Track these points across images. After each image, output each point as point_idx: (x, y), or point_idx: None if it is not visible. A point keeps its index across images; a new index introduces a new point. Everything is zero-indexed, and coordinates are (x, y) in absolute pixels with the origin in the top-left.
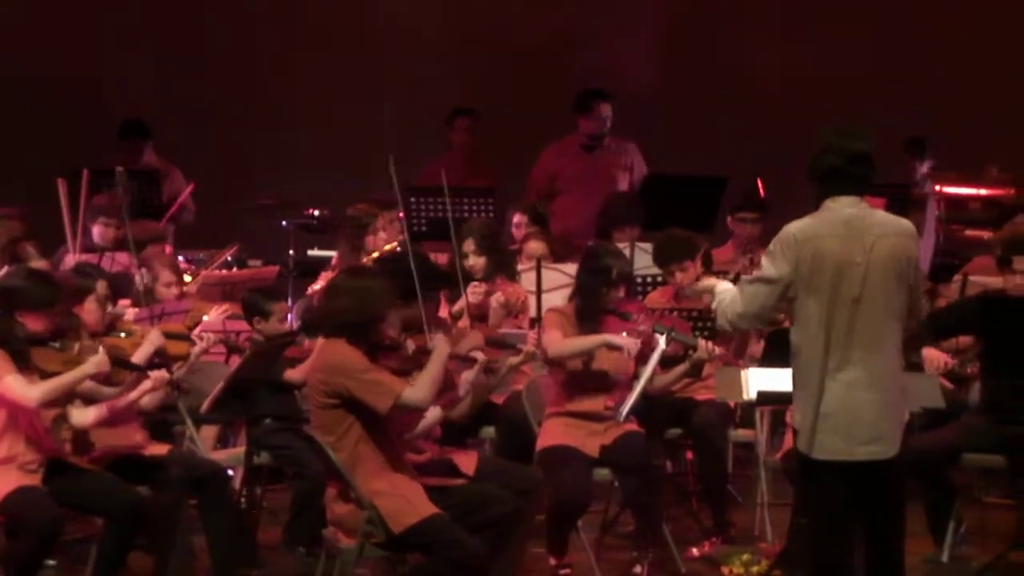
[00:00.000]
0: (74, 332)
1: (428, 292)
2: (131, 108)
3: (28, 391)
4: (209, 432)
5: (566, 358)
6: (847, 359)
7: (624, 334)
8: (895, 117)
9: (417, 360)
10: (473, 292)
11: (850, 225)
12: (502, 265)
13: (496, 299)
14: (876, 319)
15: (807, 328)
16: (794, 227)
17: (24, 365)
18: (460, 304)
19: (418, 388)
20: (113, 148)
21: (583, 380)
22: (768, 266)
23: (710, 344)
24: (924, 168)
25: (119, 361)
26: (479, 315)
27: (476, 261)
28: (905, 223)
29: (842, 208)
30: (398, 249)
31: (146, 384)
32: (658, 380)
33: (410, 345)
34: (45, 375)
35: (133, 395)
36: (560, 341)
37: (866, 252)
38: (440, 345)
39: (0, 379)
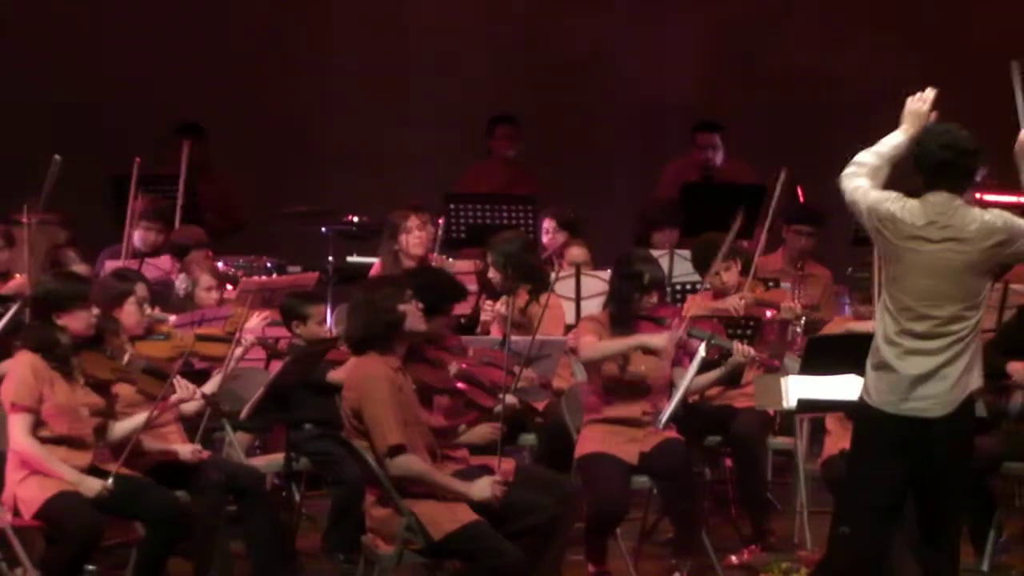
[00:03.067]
0: (114, 335)
1: (445, 306)
2: (174, 114)
3: (23, 439)
4: (243, 439)
5: (600, 360)
6: (912, 328)
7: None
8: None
9: (454, 388)
10: (484, 310)
11: (940, 215)
12: (528, 280)
13: (496, 310)
14: (951, 310)
15: (892, 290)
16: (896, 206)
17: (66, 371)
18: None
19: (414, 466)
20: (156, 154)
21: (620, 386)
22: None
23: (746, 347)
24: (977, 177)
25: (150, 370)
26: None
27: (493, 275)
28: (995, 218)
29: (939, 203)
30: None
31: (173, 398)
32: (693, 383)
33: (452, 366)
34: (93, 380)
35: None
36: (594, 344)
37: (952, 247)
38: (472, 490)
39: (12, 408)
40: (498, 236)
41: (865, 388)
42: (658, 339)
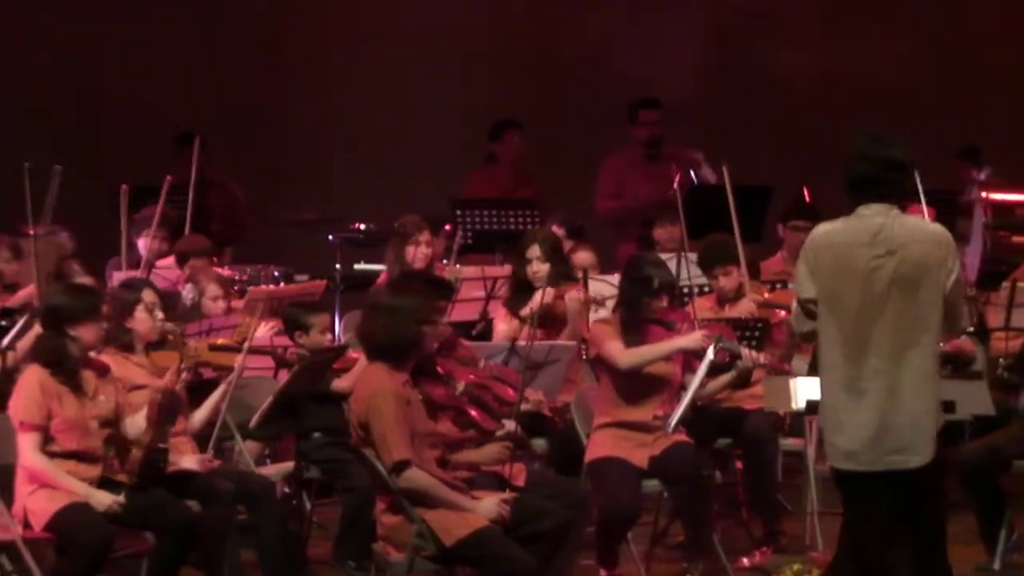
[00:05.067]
0: (129, 347)
1: (436, 303)
2: (178, 123)
3: (33, 457)
4: (252, 448)
5: (642, 367)
6: (865, 369)
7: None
8: (943, 123)
9: (460, 407)
10: (546, 292)
11: (877, 235)
12: (564, 273)
13: (572, 297)
14: (897, 329)
15: (826, 337)
16: (820, 230)
17: (75, 385)
18: (530, 306)
19: (420, 481)
20: (159, 162)
21: (632, 390)
22: (797, 276)
23: (754, 352)
24: (982, 176)
25: (216, 347)
26: (547, 318)
27: (540, 268)
28: (937, 230)
29: (872, 216)
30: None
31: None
32: (704, 389)
33: (459, 384)
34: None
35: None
36: (632, 351)
37: (889, 261)
38: (479, 508)
39: (21, 426)
40: (530, 232)
41: None
42: (692, 340)
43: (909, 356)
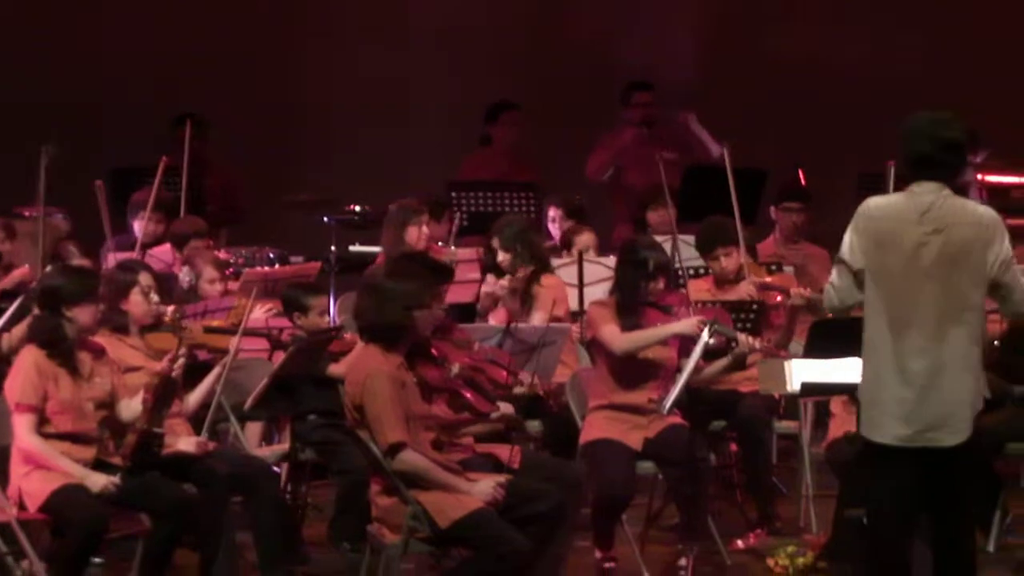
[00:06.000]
0: (124, 329)
1: (433, 288)
2: (174, 105)
3: (28, 438)
4: (254, 429)
5: (636, 351)
6: (909, 346)
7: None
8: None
9: (455, 389)
10: (487, 284)
11: (926, 213)
12: (533, 259)
13: (500, 287)
14: (940, 308)
15: (870, 310)
16: (871, 203)
17: (71, 367)
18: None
19: (415, 463)
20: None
21: (627, 373)
22: (844, 242)
23: (750, 338)
24: (978, 158)
25: (211, 329)
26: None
27: (504, 257)
28: (986, 212)
29: (924, 194)
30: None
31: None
32: (701, 373)
33: (454, 367)
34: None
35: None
36: (628, 335)
37: (935, 239)
38: (474, 490)
39: (17, 407)
40: (500, 220)
41: None
42: (688, 325)
43: (951, 335)
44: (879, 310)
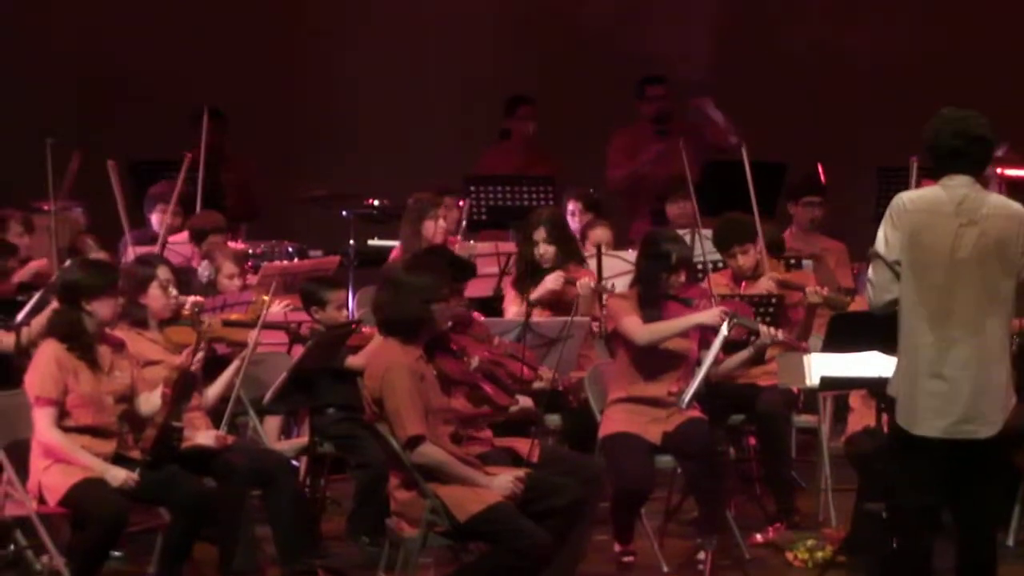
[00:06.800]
0: (143, 323)
1: (454, 284)
2: (192, 100)
3: (48, 432)
4: (273, 423)
5: (659, 343)
6: (946, 338)
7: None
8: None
9: (475, 383)
10: (555, 280)
11: (960, 204)
12: (571, 253)
13: (583, 284)
14: (977, 300)
15: (907, 302)
16: (906, 196)
17: (90, 360)
18: (540, 291)
19: (434, 456)
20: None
21: (648, 364)
22: (878, 237)
23: (772, 329)
24: (999, 152)
25: (230, 323)
26: (556, 303)
27: (546, 250)
28: (1018, 207)
29: (957, 187)
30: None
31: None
32: (721, 366)
33: (473, 360)
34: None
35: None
36: (650, 326)
37: (971, 231)
38: (493, 484)
39: (37, 401)
40: (536, 214)
41: None
42: (710, 315)
43: (987, 328)
44: (915, 302)
